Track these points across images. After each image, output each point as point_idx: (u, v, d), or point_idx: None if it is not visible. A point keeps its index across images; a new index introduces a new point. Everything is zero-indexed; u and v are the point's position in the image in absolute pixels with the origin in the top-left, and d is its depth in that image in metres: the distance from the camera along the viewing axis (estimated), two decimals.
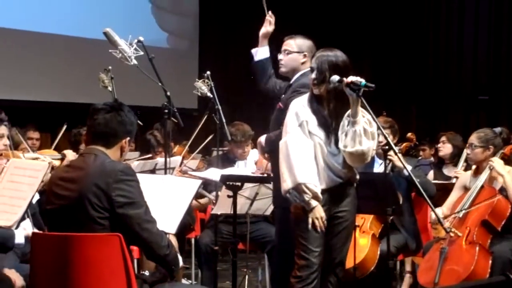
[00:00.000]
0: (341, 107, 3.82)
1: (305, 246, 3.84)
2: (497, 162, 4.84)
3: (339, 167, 3.88)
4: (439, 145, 6.41)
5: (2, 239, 3.51)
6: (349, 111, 3.76)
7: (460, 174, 5.58)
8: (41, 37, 8.75)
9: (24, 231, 3.64)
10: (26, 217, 3.82)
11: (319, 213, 3.79)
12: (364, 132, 3.75)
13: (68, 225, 3.01)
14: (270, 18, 4.61)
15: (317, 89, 3.87)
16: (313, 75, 3.87)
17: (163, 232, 3.15)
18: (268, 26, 4.60)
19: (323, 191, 3.83)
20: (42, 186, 3.63)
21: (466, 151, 5.16)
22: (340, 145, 3.81)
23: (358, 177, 4.00)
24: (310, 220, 3.78)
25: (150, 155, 5.75)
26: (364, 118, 3.77)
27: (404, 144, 5.78)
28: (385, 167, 4.56)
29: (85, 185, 2.99)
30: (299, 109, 3.88)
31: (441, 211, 4.92)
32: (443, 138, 6.39)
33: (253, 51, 4.62)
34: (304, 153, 3.80)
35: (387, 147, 4.44)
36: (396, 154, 4.18)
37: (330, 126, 3.85)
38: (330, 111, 3.86)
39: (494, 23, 10.41)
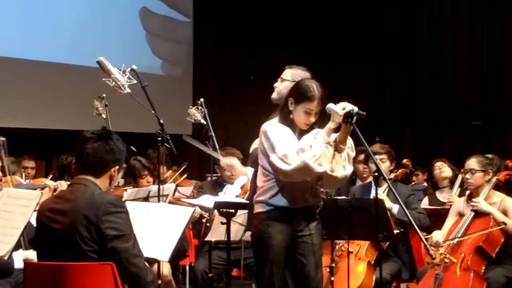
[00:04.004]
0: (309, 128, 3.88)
1: (265, 267, 3.84)
2: (481, 202, 4.79)
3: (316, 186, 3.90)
4: (440, 169, 6.40)
5: (1, 267, 3.50)
6: (336, 137, 3.77)
7: (453, 200, 5.57)
8: (35, 65, 8.77)
9: (22, 256, 3.62)
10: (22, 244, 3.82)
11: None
12: (348, 157, 3.78)
13: (58, 258, 2.98)
14: None
15: None
16: None
17: (148, 267, 3.09)
18: None
19: (297, 210, 3.81)
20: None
21: (465, 177, 5.00)
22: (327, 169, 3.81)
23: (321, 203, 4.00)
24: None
25: (132, 184, 5.62)
26: (348, 144, 3.79)
27: (400, 171, 5.74)
28: (376, 193, 4.57)
29: (74, 217, 2.96)
30: (280, 128, 3.86)
31: (440, 234, 4.86)
32: (440, 163, 6.41)
33: None
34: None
35: (376, 173, 4.49)
36: (386, 182, 4.19)
37: None
38: (301, 131, 3.88)
39: (487, 49, 10.48)
